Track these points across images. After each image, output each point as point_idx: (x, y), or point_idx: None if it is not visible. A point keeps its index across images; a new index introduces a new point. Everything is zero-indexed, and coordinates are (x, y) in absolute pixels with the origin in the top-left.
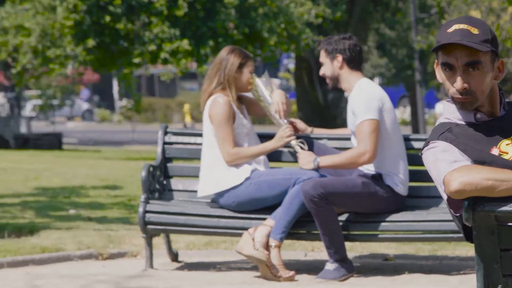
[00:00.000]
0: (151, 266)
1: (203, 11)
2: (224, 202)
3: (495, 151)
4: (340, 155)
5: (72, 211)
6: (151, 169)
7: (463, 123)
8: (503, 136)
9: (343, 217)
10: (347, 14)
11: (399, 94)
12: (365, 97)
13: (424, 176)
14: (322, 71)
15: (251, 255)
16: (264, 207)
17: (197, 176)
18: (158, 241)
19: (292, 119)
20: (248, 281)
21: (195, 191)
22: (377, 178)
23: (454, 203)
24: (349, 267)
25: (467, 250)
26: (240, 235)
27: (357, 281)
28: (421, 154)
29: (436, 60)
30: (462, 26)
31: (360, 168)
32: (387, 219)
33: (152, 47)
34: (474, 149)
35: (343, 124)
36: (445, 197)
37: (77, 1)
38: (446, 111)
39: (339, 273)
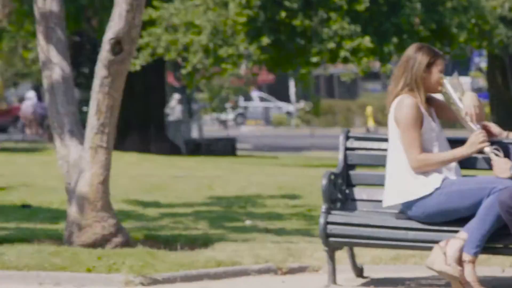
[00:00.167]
0: (334, 281)
1: (386, 6)
2: (412, 213)
3: None
4: None
5: (248, 222)
6: (332, 177)
7: None
8: None
9: None
10: None
11: None
12: None
13: None
14: None
15: (443, 270)
16: (456, 218)
17: (382, 185)
18: (341, 255)
19: (486, 123)
20: None
21: (380, 201)
22: None
23: None
24: None
25: None
26: (430, 248)
27: None
28: None
29: None
30: None
31: None
32: None
33: (331, 45)
34: None
35: None
36: None
37: None
38: None
39: None
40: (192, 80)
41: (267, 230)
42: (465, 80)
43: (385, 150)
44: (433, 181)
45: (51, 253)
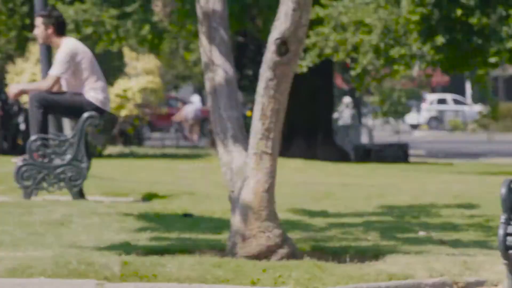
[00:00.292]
0: None
1: None
2: None
3: None
4: None
5: (421, 233)
6: None
7: None
8: None
9: None
10: None
11: None
12: None
13: None
14: None
15: None
16: None
17: None
18: None
19: None
20: None
21: None
22: None
23: None
24: None
25: None
26: None
27: None
28: None
29: None
30: None
31: None
32: None
33: (511, 44)
34: None
35: None
36: None
37: None
38: None
39: None
40: (361, 82)
41: (442, 242)
42: None
43: None
44: None
45: (213, 265)
